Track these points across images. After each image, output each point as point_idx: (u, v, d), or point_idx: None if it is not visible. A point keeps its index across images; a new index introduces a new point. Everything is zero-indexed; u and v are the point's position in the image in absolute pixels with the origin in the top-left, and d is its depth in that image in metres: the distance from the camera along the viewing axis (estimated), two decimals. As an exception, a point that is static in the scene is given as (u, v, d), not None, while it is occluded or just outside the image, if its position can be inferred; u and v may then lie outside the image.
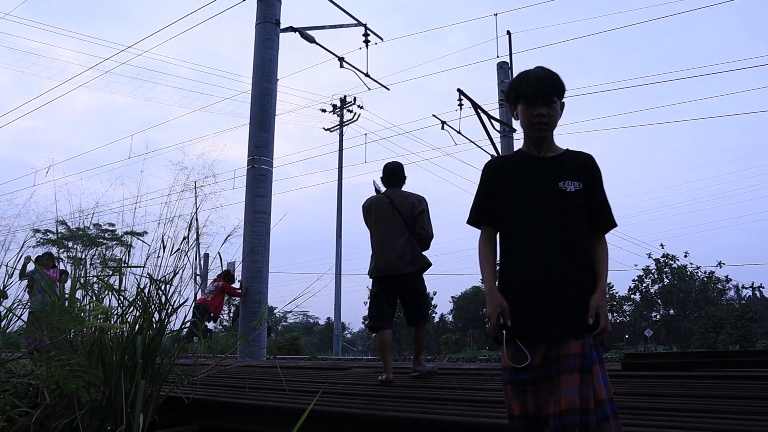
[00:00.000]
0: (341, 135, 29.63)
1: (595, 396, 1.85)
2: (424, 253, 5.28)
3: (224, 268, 8.97)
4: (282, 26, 10.57)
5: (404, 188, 5.49)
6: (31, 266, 8.11)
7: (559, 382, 1.87)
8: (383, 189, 5.55)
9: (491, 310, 2.02)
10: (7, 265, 4.68)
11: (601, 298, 1.99)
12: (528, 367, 1.93)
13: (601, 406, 1.86)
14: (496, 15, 15.78)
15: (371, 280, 5.31)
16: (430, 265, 5.31)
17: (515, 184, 2.13)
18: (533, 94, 2.08)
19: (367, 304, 5.24)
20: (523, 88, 2.11)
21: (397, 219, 5.24)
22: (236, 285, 10.52)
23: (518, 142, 17.86)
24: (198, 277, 5.09)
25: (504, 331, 1.96)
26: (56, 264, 8.73)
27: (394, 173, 5.51)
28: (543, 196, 2.07)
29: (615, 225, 2.13)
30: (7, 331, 4.11)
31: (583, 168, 2.13)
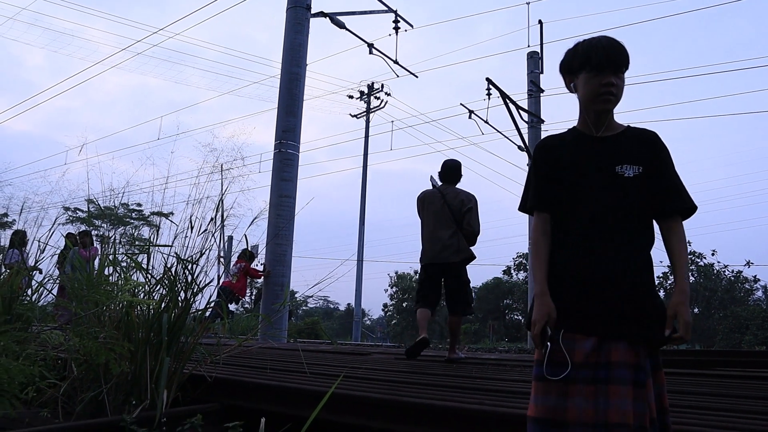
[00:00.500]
0: (368, 122, 29.61)
1: (650, 412, 1.70)
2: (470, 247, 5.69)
3: (250, 249, 9.05)
4: (312, 11, 10.57)
5: (459, 186, 5.93)
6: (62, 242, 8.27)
7: (608, 391, 1.70)
8: (439, 184, 5.99)
9: (538, 317, 1.83)
10: (39, 241, 4.79)
11: (680, 302, 1.78)
12: (563, 364, 1.76)
13: (655, 421, 1.72)
14: (528, 3, 15.58)
15: (420, 266, 5.80)
16: (474, 257, 5.73)
17: (571, 167, 1.94)
18: (605, 60, 1.87)
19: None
20: (592, 54, 1.89)
21: (446, 212, 5.67)
22: (258, 266, 10.62)
23: (546, 133, 17.67)
24: (222, 259, 5.15)
25: (549, 331, 1.82)
26: (94, 242, 8.90)
27: (450, 171, 5.97)
28: (599, 182, 1.89)
29: (694, 208, 1.88)
30: (39, 303, 4.22)
31: (646, 148, 1.91)
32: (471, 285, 5.83)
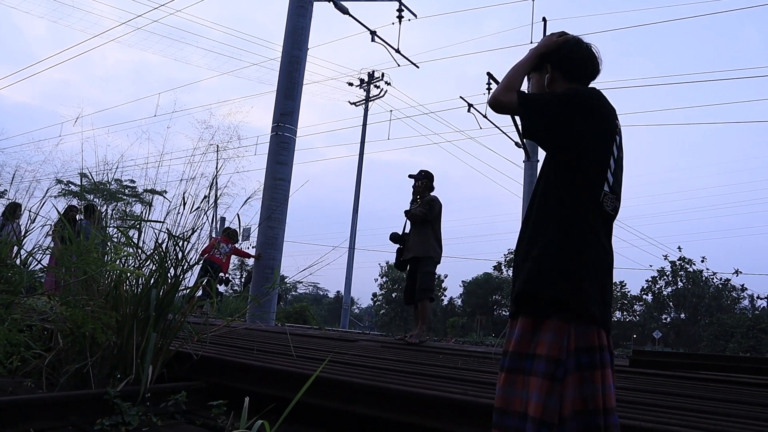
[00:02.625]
0: (366, 110, 29.51)
1: (562, 409, 1.70)
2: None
3: (242, 231, 9.02)
4: (317, -5, 10.50)
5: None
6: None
7: (529, 383, 1.74)
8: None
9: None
10: (30, 210, 4.76)
11: None
12: (505, 353, 1.83)
13: (567, 420, 1.70)
14: (533, 0, 15.51)
15: (435, 260, 6.44)
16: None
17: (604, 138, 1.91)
18: (592, 78, 1.95)
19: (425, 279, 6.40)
20: (588, 66, 1.95)
21: None
22: (250, 250, 10.62)
23: (544, 131, 17.67)
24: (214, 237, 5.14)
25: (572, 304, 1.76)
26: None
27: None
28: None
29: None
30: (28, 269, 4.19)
31: None
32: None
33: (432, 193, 6.75)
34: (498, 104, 1.87)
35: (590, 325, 1.76)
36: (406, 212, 6.59)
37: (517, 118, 2.31)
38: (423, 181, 6.75)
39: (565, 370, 1.70)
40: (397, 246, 6.70)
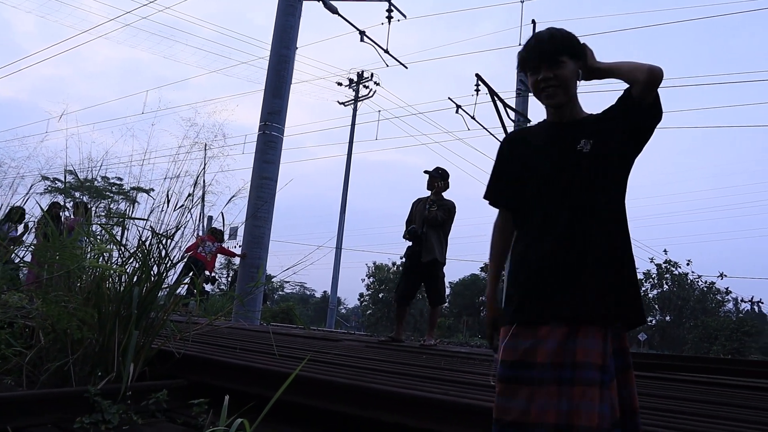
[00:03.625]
0: (355, 110, 29.51)
1: (612, 414, 1.64)
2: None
3: (228, 229, 9.00)
4: (306, -6, 10.49)
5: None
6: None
7: (573, 393, 1.64)
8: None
9: (487, 321, 1.97)
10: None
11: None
12: (529, 365, 1.71)
13: (618, 423, 1.66)
14: (522, 2, 15.59)
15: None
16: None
17: (530, 156, 1.93)
18: (536, 58, 1.88)
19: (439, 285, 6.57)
20: (525, 56, 1.92)
21: None
22: (236, 249, 10.61)
23: (531, 133, 17.76)
24: (198, 235, 5.13)
25: (501, 330, 1.82)
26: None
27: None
28: (560, 163, 1.86)
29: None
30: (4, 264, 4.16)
31: (601, 120, 1.89)
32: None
33: (445, 194, 6.70)
34: (658, 80, 1.78)
35: (622, 327, 1.79)
36: (428, 218, 6.46)
37: (507, 121, 2.29)
38: (444, 182, 6.67)
39: (610, 375, 1.67)
40: (409, 244, 6.58)
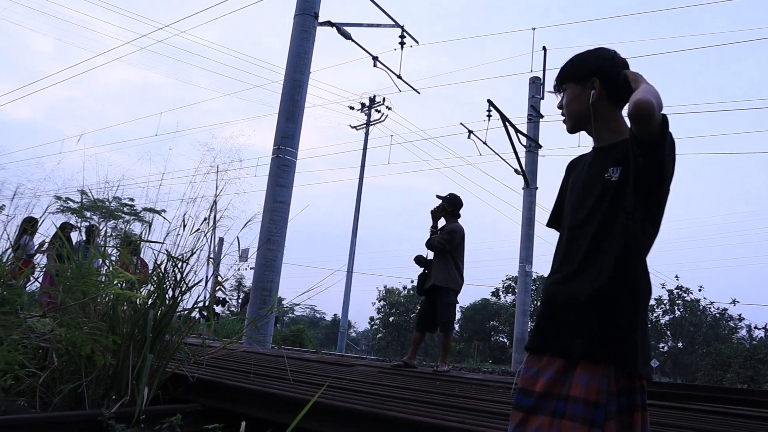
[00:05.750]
0: (367, 134, 29.67)
1: None
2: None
3: (240, 251, 9.01)
4: (320, 20, 10.62)
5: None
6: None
7: (561, 426, 1.60)
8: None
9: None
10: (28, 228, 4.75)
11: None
12: (529, 393, 1.69)
13: None
14: (533, 29, 15.70)
15: (456, 291, 6.46)
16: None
17: (573, 182, 1.91)
18: (555, 88, 1.92)
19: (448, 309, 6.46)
20: (628, 95, 1.74)
21: None
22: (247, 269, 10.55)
23: (542, 159, 17.77)
24: (212, 259, 5.13)
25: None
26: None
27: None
28: (584, 192, 1.80)
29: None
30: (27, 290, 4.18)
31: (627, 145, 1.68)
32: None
33: (458, 221, 6.65)
34: (650, 113, 1.52)
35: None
36: (426, 243, 6.52)
37: (518, 147, 2.25)
38: (441, 205, 6.63)
39: (605, 414, 1.58)
40: (421, 270, 6.64)
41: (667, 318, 46.93)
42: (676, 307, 46.26)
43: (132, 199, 4.92)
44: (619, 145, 1.77)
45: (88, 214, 5.08)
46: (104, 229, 4.75)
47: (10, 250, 4.46)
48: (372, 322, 59.85)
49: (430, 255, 6.61)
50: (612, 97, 1.83)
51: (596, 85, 1.82)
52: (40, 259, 6.73)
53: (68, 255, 3.83)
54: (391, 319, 55.23)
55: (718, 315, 45.39)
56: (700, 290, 45.20)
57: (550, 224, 2.06)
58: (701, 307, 45.34)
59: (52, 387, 3.39)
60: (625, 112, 1.77)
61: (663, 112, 1.58)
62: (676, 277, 47.61)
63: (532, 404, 1.67)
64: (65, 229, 7.59)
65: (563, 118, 1.91)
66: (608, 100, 1.83)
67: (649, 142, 1.57)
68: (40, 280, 6.72)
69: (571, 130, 1.91)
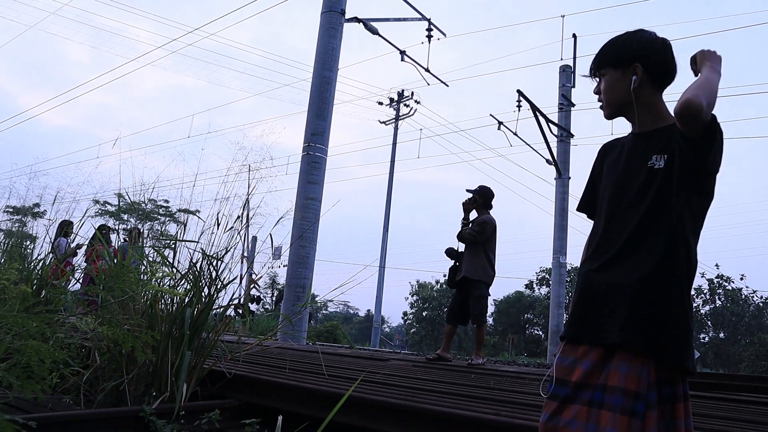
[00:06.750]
0: (396, 129, 29.65)
1: None
2: None
3: (273, 249, 9.09)
4: (347, 16, 10.64)
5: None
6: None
7: (600, 417, 1.57)
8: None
9: None
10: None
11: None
12: (565, 383, 1.66)
13: None
14: (563, 17, 15.50)
15: (487, 283, 6.41)
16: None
17: (610, 167, 1.86)
18: (591, 73, 1.88)
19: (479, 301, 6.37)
20: (673, 78, 1.79)
21: None
22: (280, 267, 10.60)
23: (574, 148, 17.56)
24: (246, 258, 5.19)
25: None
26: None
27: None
28: (625, 180, 1.76)
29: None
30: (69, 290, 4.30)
31: (673, 133, 1.66)
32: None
33: (490, 212, 6.61)
34: (696, 116, 1.50)
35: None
36: (458, 235, 6.50)
37: (549, 137, 2.22)
38: (471, 198, 6.62)
39: (646, 404, 1.55)
40: (452, 262, 6.62)
41: (707, 308, 45.95)
42: (716, 297, 45.27)
43: (167, 201, 5.00)
44: (662, 132, 1.73)
45: (125, 217, 5.20)
46: (141, 230, 4.85)
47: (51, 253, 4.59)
48: (405, 317, 59.90)
49: (462, 247, 6.57)
50: (654, 81, 1.78)
51: (638, 70, 1.76)
52: (80, 261, 6.91)
53: (109, 256, 3.93)
54: (424, 314, 55.18)
55: (761, 304, 44.29)
56: (741, 279, 44.23)
57: (580, 208, 2.01)
58: (743, 296, 44.30)
59: (95, 384, 3.49)
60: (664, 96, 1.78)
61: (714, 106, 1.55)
62: (717, 265, 46.48)
63: (568, 394, 1.64)
64: (102, 230, 7.78)
65: (600, 104, 1.87)
66: (650, 85, 1.77)
67: (697, 138, 1.55)
68: (80, 281, 6.89)
69: (609, 116, 1.88)
